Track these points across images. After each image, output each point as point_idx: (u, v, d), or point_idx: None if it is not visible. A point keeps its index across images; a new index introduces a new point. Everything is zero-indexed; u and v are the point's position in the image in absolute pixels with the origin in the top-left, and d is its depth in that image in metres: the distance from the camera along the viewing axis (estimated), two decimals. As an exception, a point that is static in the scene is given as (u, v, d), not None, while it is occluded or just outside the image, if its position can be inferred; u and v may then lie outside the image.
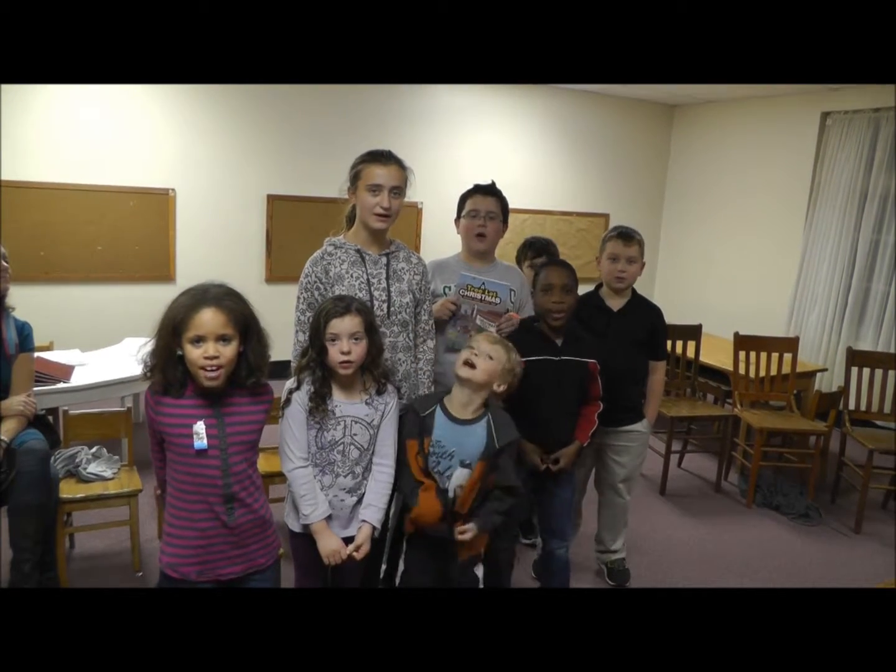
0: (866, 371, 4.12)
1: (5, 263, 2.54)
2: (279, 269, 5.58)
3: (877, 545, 3.58)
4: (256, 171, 5.45)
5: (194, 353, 1.62)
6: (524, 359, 2.32)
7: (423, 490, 1.97)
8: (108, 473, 2.84)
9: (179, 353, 1.66)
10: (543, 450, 2.36)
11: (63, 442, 2.85)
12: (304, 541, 1.99)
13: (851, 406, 4.12)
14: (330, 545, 1.94)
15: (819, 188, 5.76)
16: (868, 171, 5.42)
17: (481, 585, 2.11)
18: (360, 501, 2.01)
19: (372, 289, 2.18)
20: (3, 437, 2.39)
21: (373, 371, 1.99)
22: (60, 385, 3.33)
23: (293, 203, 5.56)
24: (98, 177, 4.92)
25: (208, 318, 1.62)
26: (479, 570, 2.11)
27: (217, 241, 5.39)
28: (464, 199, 2.63)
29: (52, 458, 2.65)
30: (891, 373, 4.08)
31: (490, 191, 2.60)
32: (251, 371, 1.71)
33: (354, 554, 1.95)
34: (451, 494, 1.97)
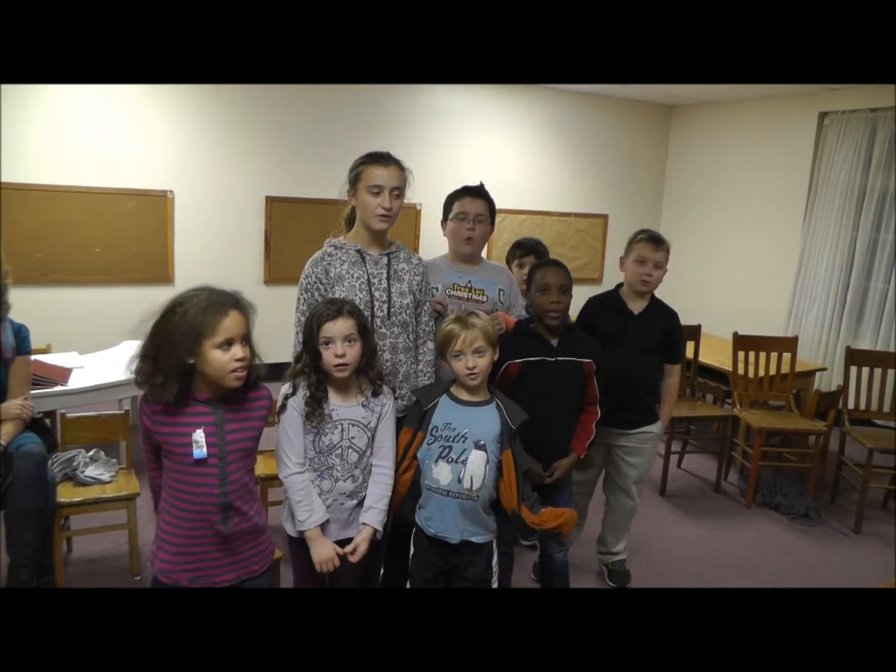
0: (865, 370, 4.12)
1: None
2: (278, 270, 5.57)
3: (877, 545, 3.58)
4: (255, 173, 5.45)
5: (223, 358, 1.61)
6: (520, 360, 2.32)
7: (403, 472, 2.03)
8: (105, 477, 2.83)
9: (190, 361, 1.63)
10: (540, 452, 2.35)
11: (60, 445, 2.84)
12: (303, 545, 1.98)
13: (851, 405, 4.12)
14: (323, 553, 1.93)
15: (817, 188, 5.77)
16: (866, 171, 5.42)
17: (495, 583, 2.11)
18: (360, 504, 2.00)
19: (373, 289, 2.17)
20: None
21: (368, 373, 1.98)
22: (58, 388, 3.32)
23: (292, 205, 5.56)
24: (96, 179, 4.92)
25: (235, 321, 1.63)
26: (495, 563, 2.11)
27: (215, 242, 5.38)
28: (451, 200, 2.57)
29: (50, 462, 2.64)
30: (890, 372, 4.08)
31: (479, 193, 2.55)
32: (258, 369, 1.72)
33: (350, 557, 1.95)
34: (467, 484, 1.98)
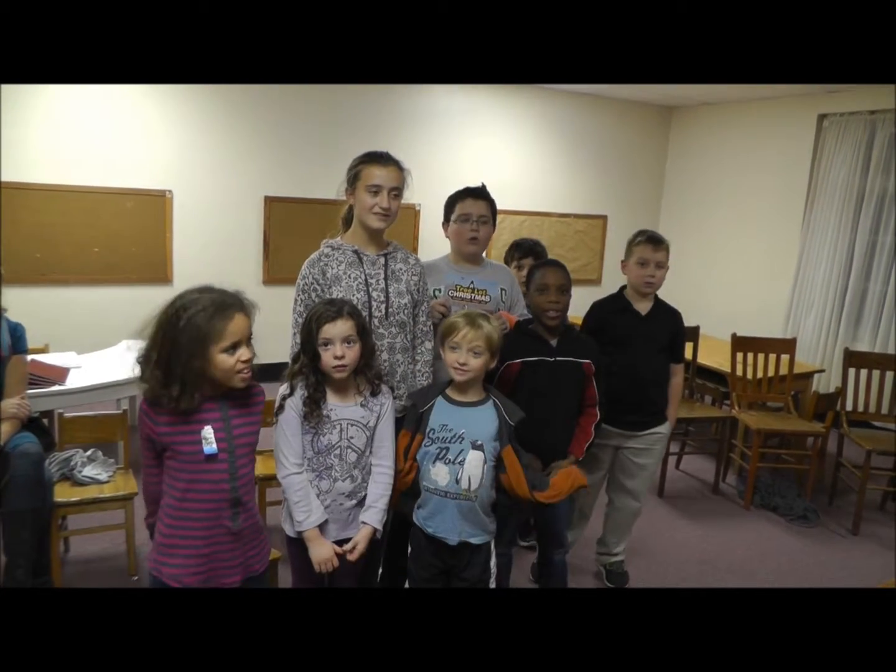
0: (864, 372, 4.12)
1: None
2: (277, 270, 5.56)
3: (875, 546, 3.58)
4: (254, 173, 5.45)
5: (230, 361, 1.61)
6: (519, 360, 2.32)
7: (405, 475, 2.04)
8: (103, 477, 2.83)
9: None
10: (539, 452, 2.35)
11: (58, 445, 2.84)
12: (301, 545, 1.97)
13: (849, 407, 4.12)
14: (322, 553, 1.93)
15: (816, 190, 5.77)
16: (865, 173, 5.43)
17: (493, 584, 2.11)
18: (359, 504, 2.00)
19: (370, 289, 2.17)
20: (-3, 441, 2.38)
21: (366, 373, 1.98)
22: (55, 387, 3.32)
23: (291, 205, 5.56)
24: (95, 178, 4.91)
25: (241, 323, 1.64)
26: (493, 564, 2.11)
27: (214, 242, 5.38)
28: (452, 202, 2.58)
29: (47, 462, 2.63)
30: (888, 373, 4.08)
31: (481, 194, 2.56)
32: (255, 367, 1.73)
33: (349, 555, 1.94)
34: (465, 484, 1.98)
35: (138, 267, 5.14)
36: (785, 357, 4.30)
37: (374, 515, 1.98)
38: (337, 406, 1.95)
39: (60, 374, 3.45)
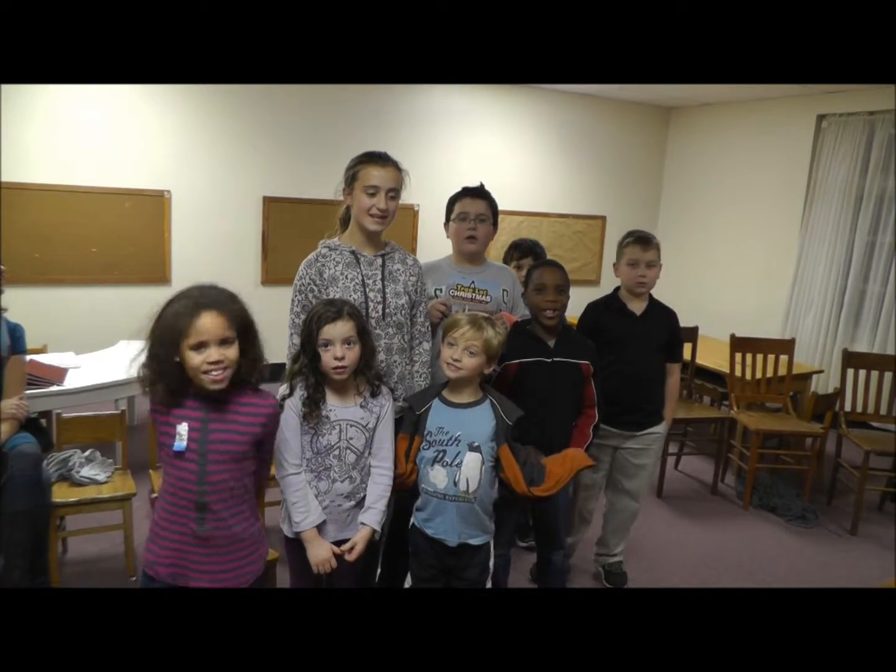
0: (862, 373, 4.12)
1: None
2: (275, 271, 5.56)
3: (873, 547, 3.58)
4: (252, 173, 5.44)
5: (196, 360, 1.59)
6: (517, 360, 2.31)
7: (408, 476, 2.04)
8: (101, 477, 2.82)
9: (176, 359, 1.62)
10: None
11: (56, 445, 2.83)
12: (300, 546, 1.97)
13: (847, 408, 4.12)
14: (320, 554, 1.92)
15: (815, 190, 5.77)
16: (864, 174, 5.43)
17: (489, 583, 2.11)
18: (357, 505, 2.00)
19: (367, 290, 2.17)
20: (-6, 441, 2.37)
21: (366, 374, 1.97)
22: (54, 388, 3.31)
23: (289, 205, 5.55)
24: (93, 178, 4.91)
25: (209, 323, 1.59)
26: (491, 564, 2.11)
27: (213, 243, 5.38)
28: (452, 202, 2.61)
29: (45, 462, 2.63)
30: (887, 374, 4.08)
31: (479, 193, 2.58)
32: (253, 367, 1.69)
33: (347, 556, 1.94)
34: (463, 486, 1.97)
35: (137, 267, 5.13)
36: (783, 358, 4.30)
37: (373, 516, 1.98)
38: (336, 407, 1.94)
39: (58, 374, 3.44)
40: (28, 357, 2.83)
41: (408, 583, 2.14)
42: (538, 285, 2.36)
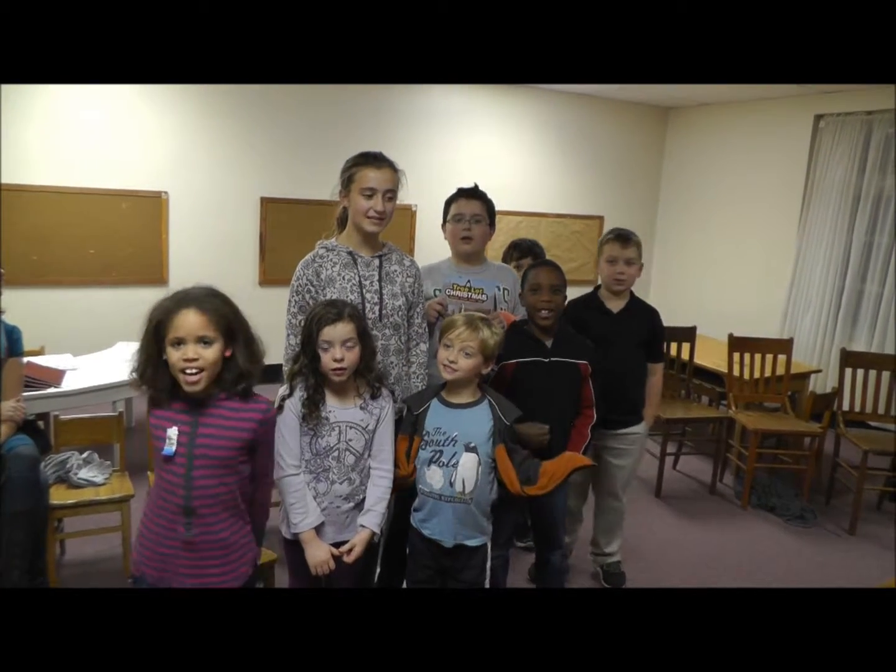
0: (860, 372, 4.12)
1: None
2: (273, 271, 5.56)
3: (871, 546, 3.59)
4: (250, 174, 5.44)
5: (174, 356, 1.58)
6: (514, 360, 2.31)
7: (409, 476, 2.04)
8: (99, 479, 2.82)
9: (164, 357, 1.62)
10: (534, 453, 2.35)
11: (54, 447, 2.83)
12: (298, 547, 1.97)
13: (846, 407, 4.12)
14: (318, 556, 1.92)
15: (812, 190, 5.78)
16: (861, 173, 5.44)
17: (487, 584, 2.10)
18: (356, 506, 1.99)
19: (364, 291, 2.16)
20: (-9, 443, 2.37)
21: (366, 376, 1.97)
22: (51, 390, 3.31)
23: (287, 205, 5.55)
24: (90, 180, 4.90)
25: (189, 319, 1.58)
26: (488, 567, 2.11)
27: (210, 243, 5.37)
28: (449, 203, 2.64)
29: (43, 464, 2.62)
30: (885, 374, 4.09)
31: (474, 194, 2.61)
32: (240, 376, 1.65)
33: (346, 557, 1.93)
34: (459, 487, 1.97)
35: (134, 268, 5.13)
36: (782, 357, 4.30)
37: (372, 519, 1.97)
38: (336, 408, 1.94)
39: (56, 376, 3.44)
40: (25, 359, 2.82)
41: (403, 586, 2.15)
42: (533, 285, 2.36)
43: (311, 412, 1.91)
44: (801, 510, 3.83)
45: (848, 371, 4.13)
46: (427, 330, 2.37)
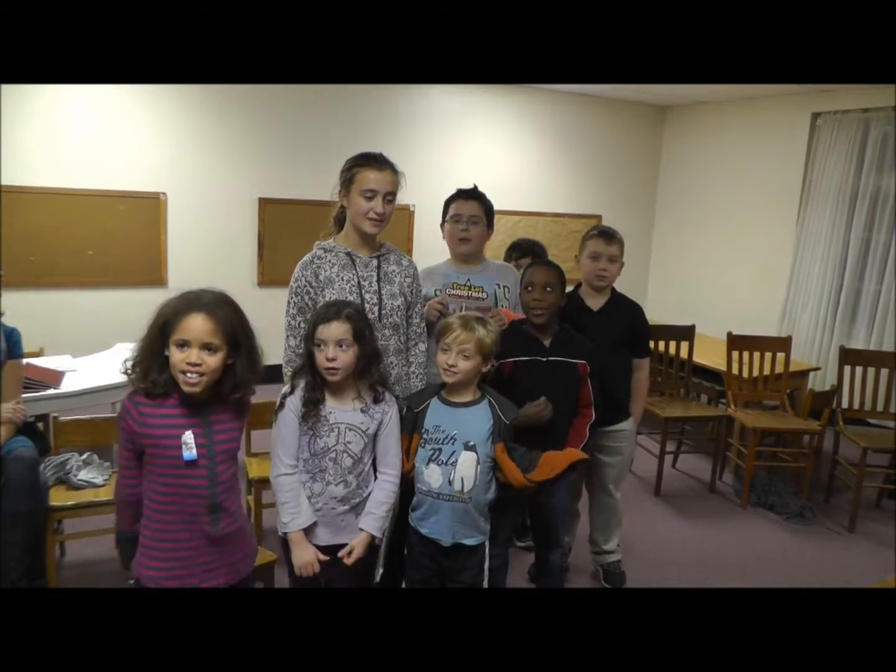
0: (859, 369, 4.13)
1: None
2: (271, 272, 5.55)
3: (871, 544, 3.59)
4: (248, 174, 5.43)
5: (177, 357, 1.59)
6: (512, 359, 2.32)
7: (409, 473, 2.05)
8: (98, 480, 2.81)
9: (166, 353, 1.62)
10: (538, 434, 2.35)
11: (53, 449, 2.83)
12: (294, 545, 1.97)
13: (844, 405, 4.13)
14: (303, 557, 1.91)
15: (810, 188, 5.78)
16: (858, 171, 5.44)
17: (486, 584, 2.10)
18: (353, 510, 1.98)
19: (363, 292, 2.17)
20: (-9, 445, 2.37)
21: (367, 378, 1.96)
22: (50, 391, 3.30)
23: (285, 206, 5.55)
24: (88, 181, 4.90)
25: (196, 324, 1.59)
26: (486, 568, 2.11)
27: (209, 244, 5.37)
28: (447, 203, 2.66)
29: (42, 466, 2.62)
30: (883, 371, 4.09)
31: (472, 195, 2.62)
32: (235, 386, 1.67)
33: (346, 559, 1.93)
34: (458, 486, 1.97)
35: (133, 269, 5.12)
36: (780, 355, 4.31)
37: (372, 522, 1.96)
38: (336, 409, 1.93)
39: (55, 377, 3.43)
40: (24, 360, 2.82)
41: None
42: (527, 284, 2.38)
43: (310, 411, 1.91)
44: (801, 508, 3.83)
45: (847, 368, 4.14)
46: (426, 330, 2.37)
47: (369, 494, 1.99)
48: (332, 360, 1.87)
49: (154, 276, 5.18)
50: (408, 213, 5.89)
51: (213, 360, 1.60)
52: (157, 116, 5.06)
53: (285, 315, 2.21)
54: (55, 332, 4.64)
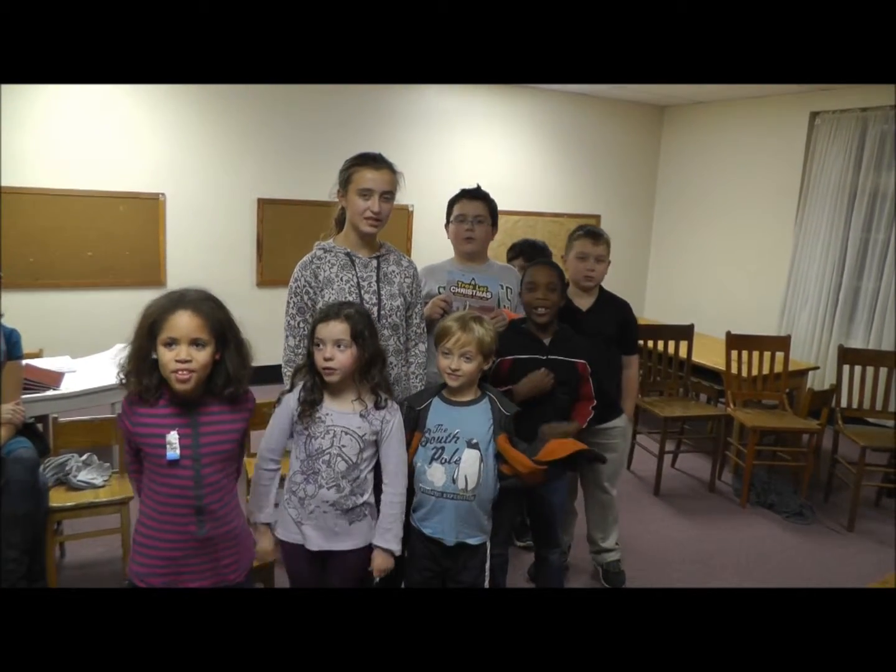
0: (858, 368, 4.14)
1: None
2: (270, 272, 5.55)
3: (870, 543, 3.59)
4: (247, 175, 5.43)
5: (167, 356, 1.59)
6: (512, 357, 2.32)
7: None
8: (98, 481, 2.81)
9: (155, 356, 1.62)
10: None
11: (53, 450, 2.83)
12: (291, 548, 1.97)
13: (844, 404, 4.13)
14: (261, 545, 1.95)
15: (809, 187, 5.79)
16: (857, 170, 5.44)
17: (487, 584, 2.10)
18: (345, 515, 1.93)
19: (362, 292, 2.17)
20: (-9, 446, 2.37)
21: (368, 381, 1.93)
22: (50, 392, 3.30)
23: (284, 206, 5.55)
24: (87, 182, 4.89)
25: (184, 321, 1.60)
26: (487, 567, 2.11)
27: (208, 245, 5.36)
28: (452, 203, 2.67)
29: (42, 467, 2.62)
30: (882, 370, 4.10)
31: (476, 195, 2.64)
32: (228, 380, 1.67)
33: (375, 572, 1.95)
34: (462, 484, 1.97)
35: (132, 270, 5.12)
36: (779, 354, 4.31)
37: (390, 540, 1.95)
38: (333, 411, 1.91)
39: (55, 378, 3.43)
40: (24, 361, 2.82)
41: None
42: (529, 283, 2.38)
43: (305, 411, 1.90)
44: (800, 507, 3.84)
45: (846, 367, 4.14)
46: (426, 330, 2.37)
47: (365, 502, 1.95)
48: (329, 359, 1.86)
49: (153, 276, 5.18)
50: (407, 214, 5.89)
51: (201, 356, 1.61)
52: (156, 117, 5.06)
53: (285, 315, 2.21)
54: (55, 333, 4.64)
